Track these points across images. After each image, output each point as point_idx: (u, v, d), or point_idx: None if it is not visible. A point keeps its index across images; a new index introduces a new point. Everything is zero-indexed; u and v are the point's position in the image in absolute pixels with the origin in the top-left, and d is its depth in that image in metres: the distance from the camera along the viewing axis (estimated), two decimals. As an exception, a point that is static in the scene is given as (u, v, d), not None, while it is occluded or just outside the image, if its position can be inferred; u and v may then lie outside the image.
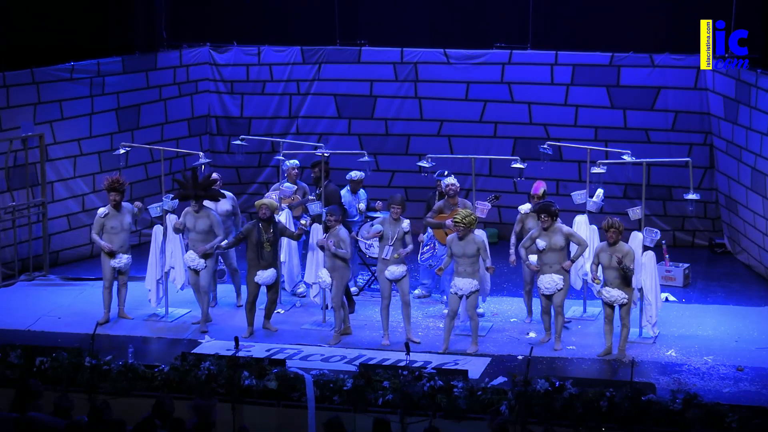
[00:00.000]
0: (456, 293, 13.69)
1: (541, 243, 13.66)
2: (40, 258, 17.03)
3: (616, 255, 13.23)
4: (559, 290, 13.66)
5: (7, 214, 16.57)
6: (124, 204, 14.83)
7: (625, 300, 13.35)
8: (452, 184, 15.04)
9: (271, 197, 15.36)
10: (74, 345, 12.94)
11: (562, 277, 13.64)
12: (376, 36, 18.73)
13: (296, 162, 15.98)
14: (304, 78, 19.04)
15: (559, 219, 13.85)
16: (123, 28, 18.69)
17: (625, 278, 13.36)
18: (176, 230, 14.61)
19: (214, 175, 15.00)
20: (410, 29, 18.76)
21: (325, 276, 14.09)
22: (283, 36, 19.04)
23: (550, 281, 13.67)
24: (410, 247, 14.05)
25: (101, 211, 14.84)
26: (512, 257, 14.60)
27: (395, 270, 13.99)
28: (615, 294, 13.35)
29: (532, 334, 14.08)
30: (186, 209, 14.59)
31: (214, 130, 19.51)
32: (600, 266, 13.48)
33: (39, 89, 16.95)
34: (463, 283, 13.64)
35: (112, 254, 14.72)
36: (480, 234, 13.88)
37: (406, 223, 14.04)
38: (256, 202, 14.51)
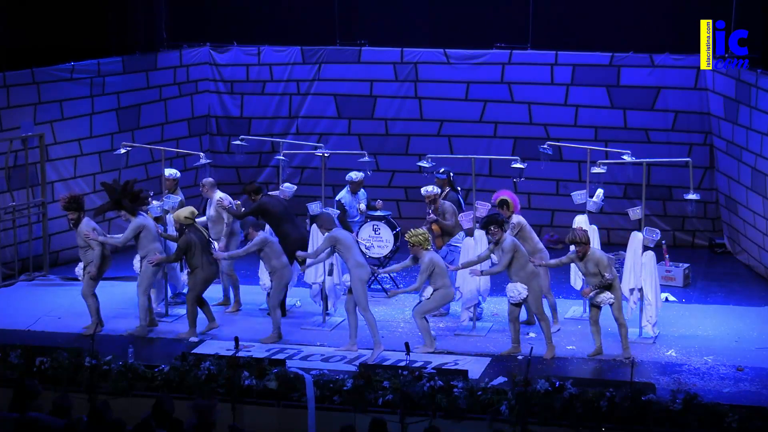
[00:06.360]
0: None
1: (495, 257, 13.59)
2: (40, 258, 17.03)
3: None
4: (524, 299, 13.45)
5: (7, 214, 16.58)
6: (86, 221, 14.33)
7: (613, 299, 13.31)
8: (428, 194, 15.03)
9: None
10: (74, 345, 12.96)
11: (525, 287, 13.41)
12: (376, 36, 18.73)
13: (175, 172, 15.59)
14: (304, 78, 19.04)
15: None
16: (123, 28, 18.69)
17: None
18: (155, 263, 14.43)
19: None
20: (410, 29, 18.76)
21: (265, 279, 14.27)
22: (283, 36, 19.04)
23: (513, 290, 13.44)
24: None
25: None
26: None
27: (347, 278, 14.02)
28: (602, 296, 13.28)
29: (531, 334, 14.07)
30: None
31: (214, 130, 19.52)
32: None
33: (39, 89, 16.96)
34: (426, 291, 13.75)
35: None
36: (429, 255, 13.64)
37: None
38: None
